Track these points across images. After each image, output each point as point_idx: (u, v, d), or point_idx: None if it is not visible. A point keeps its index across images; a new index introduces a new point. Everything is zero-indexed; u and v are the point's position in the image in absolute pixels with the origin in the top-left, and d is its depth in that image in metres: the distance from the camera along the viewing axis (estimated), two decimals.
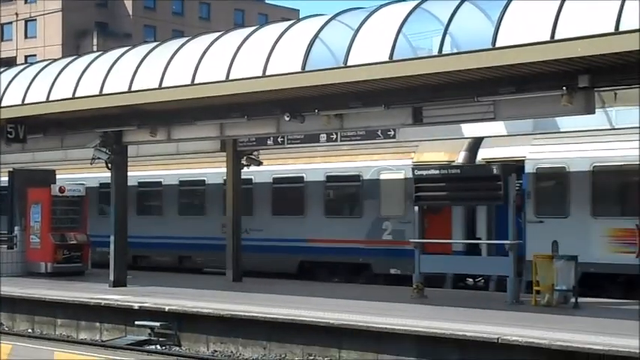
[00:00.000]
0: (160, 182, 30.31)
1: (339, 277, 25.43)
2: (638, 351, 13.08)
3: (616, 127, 20.05)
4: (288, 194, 26.79)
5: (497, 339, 14.57)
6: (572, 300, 18.25)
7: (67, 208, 27.58)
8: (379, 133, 23.19)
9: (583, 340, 13.94)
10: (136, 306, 19.88)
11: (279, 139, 25.13)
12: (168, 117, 22.67)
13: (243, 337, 17.96)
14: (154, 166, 30.25)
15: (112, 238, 24.19)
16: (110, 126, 23.80)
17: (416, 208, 20.65)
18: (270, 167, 26.43)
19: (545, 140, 21.73)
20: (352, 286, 23.62)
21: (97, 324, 20.57)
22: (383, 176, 24.99)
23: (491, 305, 18.65)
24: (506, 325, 15.78)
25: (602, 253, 20.65)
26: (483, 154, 23.07)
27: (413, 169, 21.63)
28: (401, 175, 24.46)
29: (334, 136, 24.07)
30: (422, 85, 18.25)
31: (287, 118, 20.22)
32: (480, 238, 22.42)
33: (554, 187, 21.86)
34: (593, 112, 17.13)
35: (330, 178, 26.06)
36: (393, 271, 24.31)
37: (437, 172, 20.29)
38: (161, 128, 23.18)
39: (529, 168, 21.97)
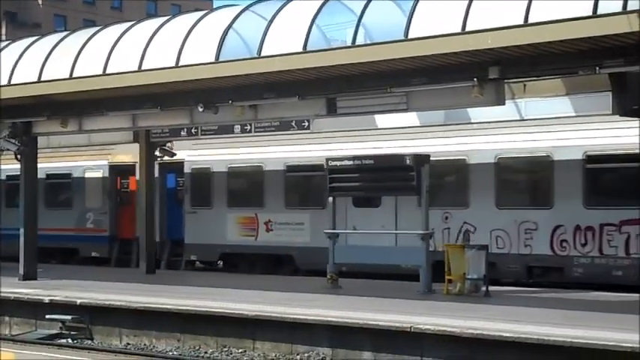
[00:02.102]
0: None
1: (55, 260, 29.45)
2: (546, 338, 13.35)
3: (527, 117, 20.39)
4: None
5: (410, 327, 14.71)
6: (483, 288, 18.54)
7: None
8: (293, 124, 23.23)
9: (493, 328, 14.17)
10: (46, 299, 19.55)
11: (192, 130, 24.97)
12: (80, 107, 22.31)
13: (156, 329, 17.80)
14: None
15: (21, 231, 23.75)
16: (20, 116, 23.33)
17: (330, 198, 20.73)
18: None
19: (200, 144, 26.42)
20: (268, 278, 23.63)
21: (7, 318, 20.16)
22: (87, 174, 29.89)
23: (405, 295, 18.82)
24: (419, 314, 15.95)
25: (234, 237, 25.78)
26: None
27: (109, 168, 28.73)
28: (99, 174, 29.54)
29: (249, 127, 24.05)
30: (336, 76, 18.30)
31: (201, 109, 20.07)
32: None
33: (203, 183, 26.68)
34: (504, 104, 17.39)
35: (49, 176, 30.05)
36: (94, 254, 29.33)
37: (350, 162, 20.39)
38: (72, 119, 22.80)
39: (187, 168, 26.96)
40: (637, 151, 19.01)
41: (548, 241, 20.51)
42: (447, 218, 22.01)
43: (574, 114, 18.97)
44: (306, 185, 25.27)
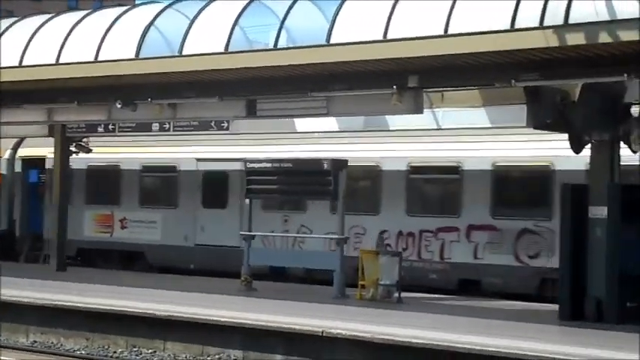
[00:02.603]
0: None
1: None
2: (455, 345, 13.52)
3: (444, 127, 20.69)
4: None
5: (322, 332, 14.74)
6: (396, 295, 18.70)
7: None
8: (212, 124, 23.13)
9: (404, 334, 14.28)
10: None
11: (110, 127, 24.66)
12: None
13: (64, 327, 17.50)
14: None
15: None
16: None
17: (246, 200, 20.68)
18: None
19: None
20: (180, 278, 23.45)
21: None
22: None
23: (318, 299, 18.87)
24: (332, 318, 16.00)
25: (90, 233, 26.57)
26: (21, 152, 28.31)
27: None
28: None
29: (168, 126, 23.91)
30: (257, 78, 18.29)
31: (119, 106, 19.85)
32: None
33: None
34: (421, 112, 17.60)
35: None
36: None
37: (269, 165, 20.36)
38: None
39: (48, 165, 26.64)
40: (452, 163, 20.98)
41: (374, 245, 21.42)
42: (286, 221, 23.01)
43: (488, 125, 19.32)
44: (160, 185, 26.20)
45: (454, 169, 21.21)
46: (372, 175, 22.37)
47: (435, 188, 21.98)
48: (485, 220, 20.56)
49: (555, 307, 16.64)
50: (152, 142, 25.83)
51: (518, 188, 20.95)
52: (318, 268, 20.88)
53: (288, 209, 23.17)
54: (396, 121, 20.24)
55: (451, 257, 20.96)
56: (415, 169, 21.71)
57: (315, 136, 22.82)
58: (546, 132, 18.04)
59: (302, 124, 22.24)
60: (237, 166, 23.18)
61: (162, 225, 25.42)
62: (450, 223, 20.98)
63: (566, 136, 16.61)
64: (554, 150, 19.61)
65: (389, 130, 21.07)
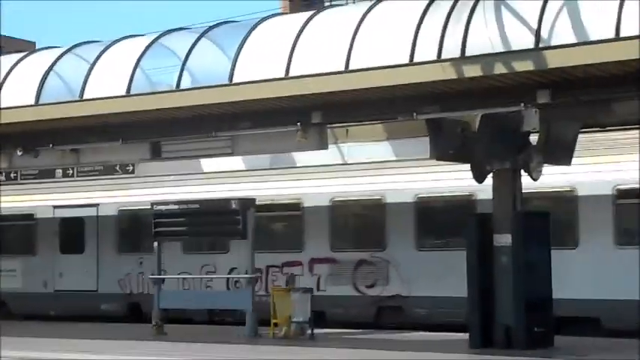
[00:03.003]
0: None
1: None
2: None
3: (349, 162, 20.84)
4: None
5: None
6: (309, 331, 18.65)
7: None
8: (117, 168, 22.89)
9: None
10: None
11: (11, 175, 24.26)
12: None
13: None
14: None
15: None
16: None
17: (155, 243, 20.46)
18: None
19: None
20: (89, 325, 22.99)
21: None
22: None
23: (231, 339, 18.71)
24: (245, 358, 15.88)
25: None
26: None
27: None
28: None
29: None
30: (160, 120, 18.19)
31: (20, 153, 19.51)
32: None
33: None
34: (326, 148, 17.72)
35: None
36: None
37: (176, 207, 20.21)
38: None
39: None
40: (292, 201, 21.57)
41: (224, 282, 22.36)
42: (141, 263, 23.32)
43: (396, 158, 19.58)
44: (19, 233, 26.28)
45: (296, 206, 21.76)
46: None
47: (280, 225, 22.74)
48: (326, 253, 21.29)
49: (466, 336, 16.80)
50: (10, 191, 25.71)
51: (353, 222, 21.82)
52: (227, 309, 20.86)
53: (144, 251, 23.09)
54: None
55: None
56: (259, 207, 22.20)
57: (218, 176, 22.86)
58: (378, 167, 20.07)
59: (208, 163, 22.17)
60: (93, 211, 24.18)
61: (22, 273, 25.57)
62: (294, 257, 21.61)
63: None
64: (385, 184, 20.66)
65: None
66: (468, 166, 16.53)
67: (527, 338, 15.50)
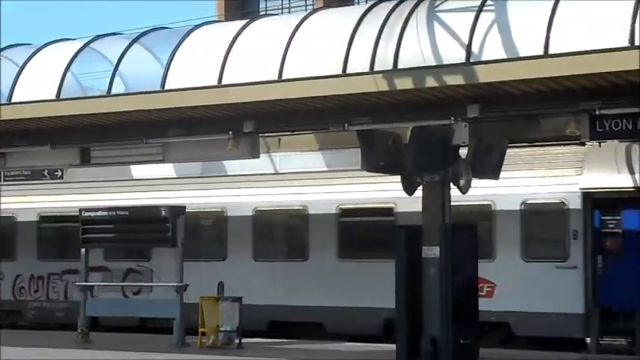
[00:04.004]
0: None
1: None
2: None
3: (279, 172, 20.85)
4: None
5: None
6: (237, 341, 18.56)
7: None
8: (46, 173, 22.54)
9: None
10: None
11: None
12: None
13: None
14: None
15: None
16: None
17: (82, 250, 20.20)
18: None
19: None
20: (14, 332, 22.59)
21: None
22: None
23: (158, 348, 18.53)
24: None
25: None
26: None
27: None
28: None
29: None
30: (90, 125, 17.98)
31: None
32: None
33: None
34: (258, 157, 17.68)
35: None
36: None
37: (105, 213, 19.98)
38: None
39: None
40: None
41: (10, 288, 24.04)
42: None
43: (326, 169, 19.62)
44: None
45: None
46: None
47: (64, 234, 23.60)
48: (100, 262, 22.28)
49: (393, 347, 16.85)
50: None
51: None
52: (156, 317, 20.65)
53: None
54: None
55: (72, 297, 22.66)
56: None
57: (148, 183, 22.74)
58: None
59: (138, 170, 21.99)
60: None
61: None
62: (73, 266, 22.36)
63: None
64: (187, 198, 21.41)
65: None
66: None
67: (454, 350, 15.61)
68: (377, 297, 19.04)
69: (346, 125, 15.86)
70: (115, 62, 17.59)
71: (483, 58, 14.28)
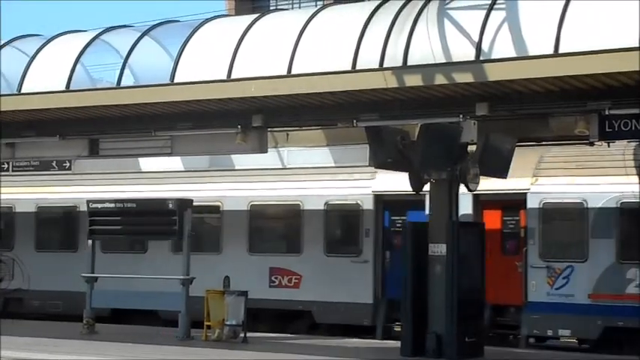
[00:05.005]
0: None
1: None
2: None
3: (287, 166, 20.89)
4: None
5: None
6: (242, 335, 18.58)
7: None
8: (54, 164, 22.61)
9: None
10: None
11: None
12: None
13: None
14: None
15: None
16: None
17: (89, 241, 20.23)
18: None
19: None
20: (19, 323, 22.63)
21: None
22: None
23: (163, 341, 18.53)
24: (171, 359, 15.76)
25: None
26: None
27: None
28: None
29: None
30: (99, 117, 18.02)
31: None
32: None
33: None
34: (266, 151, 17.70)
35: None
36: None
37: (112, 205, 19.98)
38: None
39: None
40: None
41: None
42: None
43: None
44: None
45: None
46: None
47: None
48: None
49: (398, 344, 16.86)
50: None
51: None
52: (162, 310, 20.66)
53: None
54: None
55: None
56: None
57: (155, 176, 22.74)
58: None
59: (146, 163, 22.02)
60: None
61: None
62: None
63: None
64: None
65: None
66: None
67: (458, 347, 15.63)
68: None
69: (355, 121, 15.88)
70: (125, 54, 17.59)
71: (493, 57, 14.27)
